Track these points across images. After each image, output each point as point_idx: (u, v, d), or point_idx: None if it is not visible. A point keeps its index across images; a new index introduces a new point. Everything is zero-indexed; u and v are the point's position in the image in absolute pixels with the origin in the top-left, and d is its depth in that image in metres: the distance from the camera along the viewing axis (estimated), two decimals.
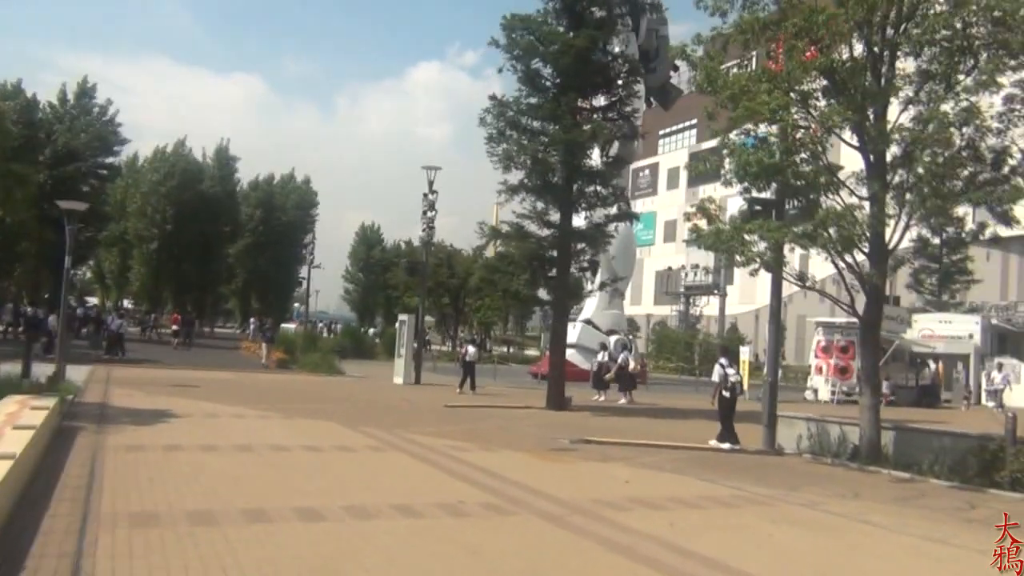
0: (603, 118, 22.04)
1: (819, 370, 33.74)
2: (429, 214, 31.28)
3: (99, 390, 19.74)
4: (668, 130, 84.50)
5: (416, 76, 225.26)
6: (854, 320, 35.33)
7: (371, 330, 59.28)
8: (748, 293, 65.47)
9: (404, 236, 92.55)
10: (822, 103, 14.58)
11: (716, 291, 55.89)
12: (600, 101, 22.84)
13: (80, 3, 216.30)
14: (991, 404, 33.63)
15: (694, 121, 76.46)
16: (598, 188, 22.23)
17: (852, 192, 14.58)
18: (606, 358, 27.80)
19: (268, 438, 13.55)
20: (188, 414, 16.04)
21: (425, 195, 31.49)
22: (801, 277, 15.42)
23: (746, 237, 14.72)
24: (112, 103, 48.90)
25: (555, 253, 22.01)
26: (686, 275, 57.49)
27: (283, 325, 53.67)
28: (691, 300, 61.26)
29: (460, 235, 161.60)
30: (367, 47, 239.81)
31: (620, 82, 22.60)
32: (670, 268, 70.24)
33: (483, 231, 22.68)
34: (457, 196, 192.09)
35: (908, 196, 14.05)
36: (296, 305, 75.72)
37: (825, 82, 14.41)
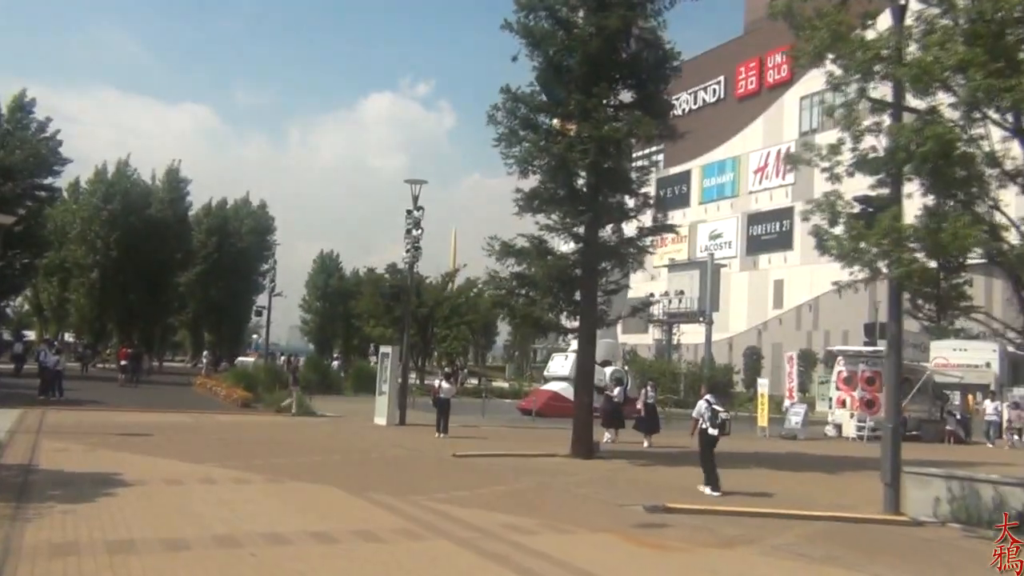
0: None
1: (841, 403, 30.70)
2: (415, 232, 27.66)
3: (25, 444, 15.72)
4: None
5: (368, 107, 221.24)
6: (879, 349, 33.10)
7: (334, 363, 55.02)
8: (721, 322, 62.78)
9: (360, 264, 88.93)
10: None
11: (701, 319, 52.85)
12: (625, 97, 19.52)
13: (24, 32, 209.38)
14: (1010, 438, 31.08)
15: (662, 147, 74.23)
16: (625, 198, 18.93)
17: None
18: (622, 394, 24.37)
19: (256, 520, 9.81)
20: (141, 480, 12.23)
21: (409, 212, 27.89)
22: None
23: (862, 245, 11.52)
24: (52, 120, 44.28)
25: (579, 272, 18.62)
26: (669, 302, 54.58)
27: (239, 359, 49.47)
28: (671, 328, 58.19)
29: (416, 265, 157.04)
30: (319, 78, 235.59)
31: (646, 75, 19.36)
32: (652, 294, 67.30)
33: (492, 247, 19.22)
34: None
35: None
36: (255, 336, 71.17)
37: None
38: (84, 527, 8.92)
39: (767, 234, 74.53)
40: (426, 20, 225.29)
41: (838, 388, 31.04)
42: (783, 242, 71.79)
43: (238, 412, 27.99)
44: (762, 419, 28.96)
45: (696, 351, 66.79)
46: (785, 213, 71.12)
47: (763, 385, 30.11)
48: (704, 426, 14.17)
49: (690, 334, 61.40)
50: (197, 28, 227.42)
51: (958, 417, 31.33)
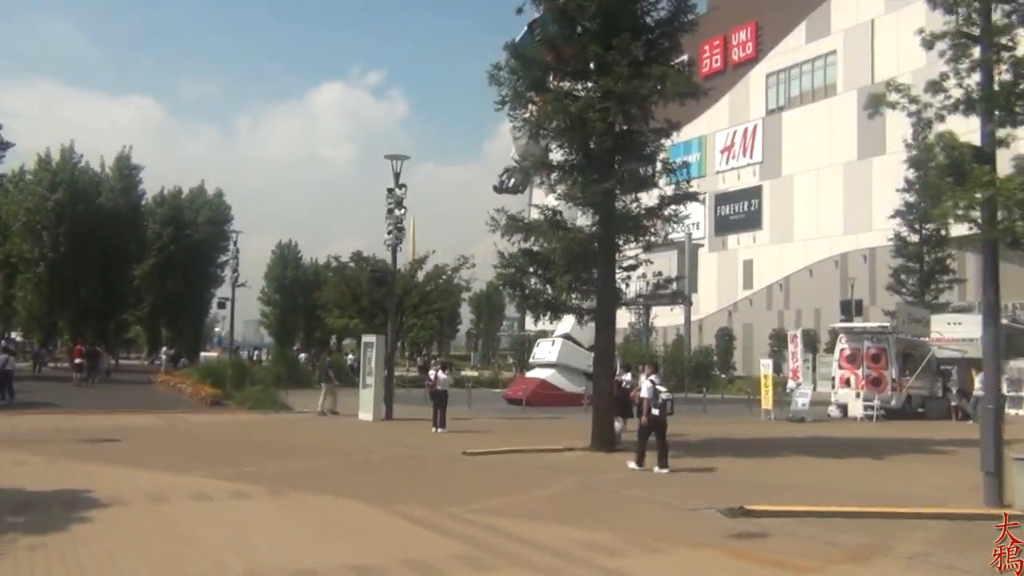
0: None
1: (845, 382, 29.36)
2: (397, 212, 25.66)
3: None
4: None
5: (319, 97, 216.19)
6: (885, 324, 31.90)
7: (301, 356, 52.55)
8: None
9: (314, 256, 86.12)
10: None
11: (680, 300, 51.41)
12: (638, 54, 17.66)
13: None
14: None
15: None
16: (643, 164, 17.15)
17: None
18: (630, 380, 22.62)
19: (277, 551, 7.84)
20: (119, 498, 10.22)
21: (390, 191, 25.88)
22: None
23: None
24: None
25: (595, 247, 16.80)
26: (648, 283, 52.97)
27: (202, 353, 46.89)
28: (648, 311, 56.73)
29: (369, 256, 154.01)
30: (267, 68, 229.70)
31: (660, 30, 17.55)
32: (660, 272, 65.52)
33: (497, 222, 17.30)
34: (363, 216, 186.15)
35: None
36: (217, 330, 68.29)
37: None
38: (59, 569, 6.96)
39: (735, 214, 73.36)
40: (375, 7, 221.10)
41: (841, 367, 29.70)
42: (752, 222, 70.72)
43: (209, 411, 25.82)
44: (766, 402, 27.54)
45: (666, 333, 65.66)
46: (753, 192, 70.14)
47: (766, 366, 28.64)
48: (652, 408, 14.13)
49: (663, 316, 60.00)
50: (141, 18, 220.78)
51: (961, 392, 30.17)
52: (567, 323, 35.57)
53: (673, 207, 16.93)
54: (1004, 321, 37.18)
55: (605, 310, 17.05)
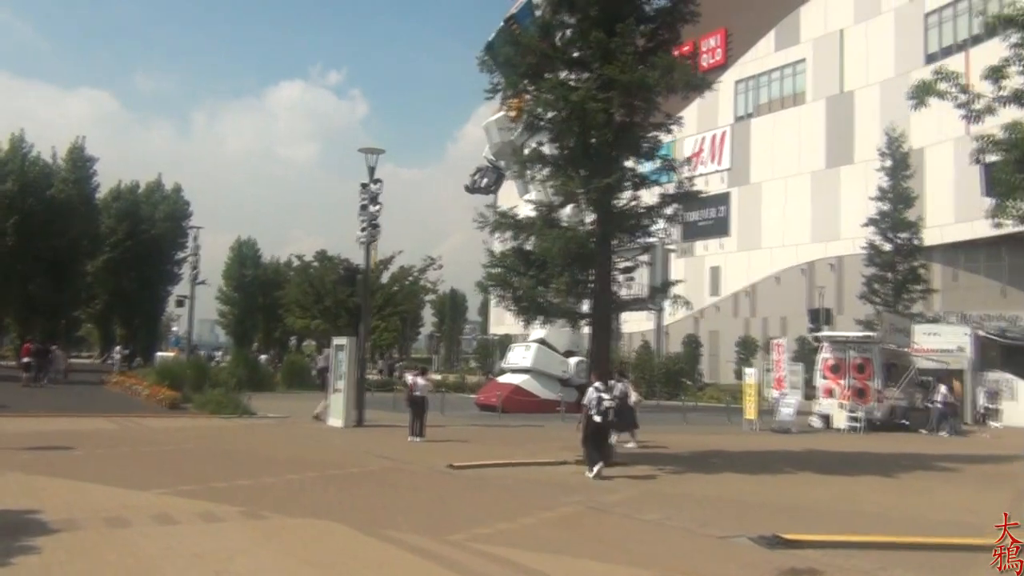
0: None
1: (828, 392, 28.59)
2: (372, 208, 24.39)
3: None
4: None
5: (279, 95, 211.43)
6: (870, 334, 31.22)
7: (261, 357, 50.85)
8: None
9: (271, 256, 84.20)
10: None
11: (651, 306, 50.59)
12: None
13: None
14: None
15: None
16: (641, 160, 16.13)
17: None
18: (628, 390, 21.49)
19: None
20: (72, 521, 8.91)
21: (364, 185, 24.61)
22: None
23: None
24: None
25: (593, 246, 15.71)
26: (619, 287, 52.15)
27: (159, 354, 44.97)
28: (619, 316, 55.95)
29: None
30: (226, 64, 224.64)
31: (660, 19, 16.56)
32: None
33: (485, 220, 16.16)
34: (323, 216, 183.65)
35: None
36: (175, 329, 66.09)
37: None
38: None
39: (703, 220, 73.02)
40: (336, 5, 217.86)
41: (824, 376, 28.96)
42: (719, 228, 70.37)
43: (167, 415, 24.34)
44: (750, 412, 26.67)
45: (632, 340, 65.10)
46: (721, 199, 69.78)
47: (750, 375, 27.74)
48: (591, 412, 14.43)
49: (631, 322, 59.28)
50: (95, 10, 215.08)
51: (945, 404, 29.56)
52: (541, 328, 34.51)
53: (675, 206, 15.89)
54: (980, 333, 37.08)
55: (602, 314, 16.00)
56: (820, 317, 47.14)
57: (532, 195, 22.36)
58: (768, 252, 63.87)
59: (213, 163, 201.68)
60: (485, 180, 39.19)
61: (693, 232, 73.83)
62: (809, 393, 32.65)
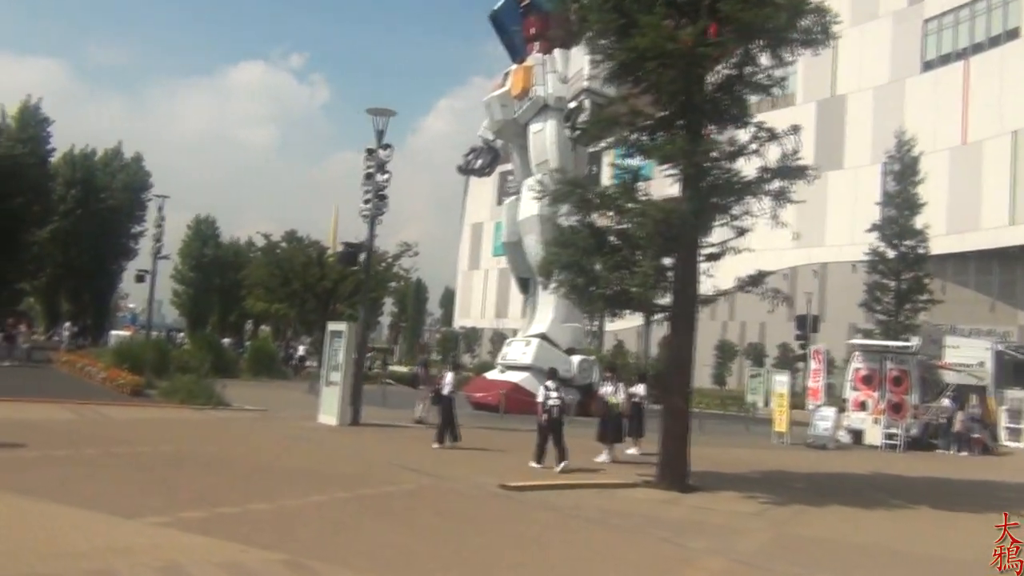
0: None
1: (859, 405, 26.24)
2: (379, 177, 21.30)
3: None
4: None
5: (238, 75, 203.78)
6: (908, 344, 28.90)
7: (225, 340, 47.10)
8: None
9: (227, 238, 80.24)
10: None
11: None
12: None
13: None
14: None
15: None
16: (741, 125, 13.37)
17: None
18: (642, 392, 18.84)
19: None
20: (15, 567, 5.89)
21: (371, 151, 21.56)
22: None
23: None
24: None
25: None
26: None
27: (113, 332, 41.19)
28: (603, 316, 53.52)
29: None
30: (185, 40, 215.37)
31: None
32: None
33: (544, 188, 13.26)
34: (281, 202, 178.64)
35: None
36: (132, 307, 61.91)
37: None
38: None
39: None
40: None
41: (855, 388, 26.60)
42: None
43: (131, 403, 21.07)
44: (780, 424, 24.18)
45: (615, 338, 63.14)
46: None
47: (782, 384, 25.20)
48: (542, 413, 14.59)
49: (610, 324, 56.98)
50: None
51: (979, 421, 27.41)
52: (544, 322, 31.65)
53: (779, 182, 13.13)
54: (999, 347, 35.21)
55: (685, 308, 13.20)
56: (808, 324, 45.48)
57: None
58: (745, 256, 61.95)
59: (169, 141, 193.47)
60: (480, 161, 35.94)
61: None
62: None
